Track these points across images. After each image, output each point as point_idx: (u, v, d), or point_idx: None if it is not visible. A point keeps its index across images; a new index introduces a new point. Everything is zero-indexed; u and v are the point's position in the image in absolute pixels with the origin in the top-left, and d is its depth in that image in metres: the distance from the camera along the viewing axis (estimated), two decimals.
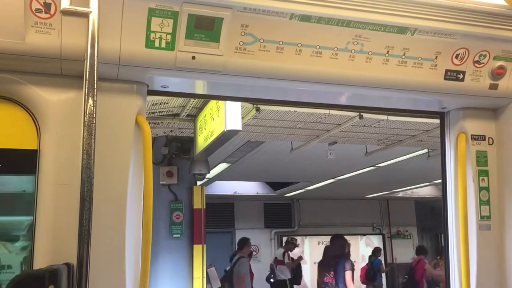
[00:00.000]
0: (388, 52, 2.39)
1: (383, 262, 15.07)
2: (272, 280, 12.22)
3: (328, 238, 16.34)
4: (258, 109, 5.69)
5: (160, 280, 7.45)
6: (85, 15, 1.87)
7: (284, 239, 15.03)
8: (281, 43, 2.25)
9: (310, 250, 16.74)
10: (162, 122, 6.63)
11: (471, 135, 2.75)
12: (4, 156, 2.09)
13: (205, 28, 2.12)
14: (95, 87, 1.85)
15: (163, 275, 7.49)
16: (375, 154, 8.52)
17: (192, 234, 7.71)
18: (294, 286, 12.73)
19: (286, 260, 12.55)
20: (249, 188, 15.63)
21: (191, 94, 3.07)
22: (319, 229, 16.93)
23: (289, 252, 12.96)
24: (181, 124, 6.77)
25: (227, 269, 10.44)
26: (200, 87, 2.58)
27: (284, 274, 12.09)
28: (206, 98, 4.88)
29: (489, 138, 2.78)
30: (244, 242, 10.61)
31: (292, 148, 8.29)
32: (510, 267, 2.68)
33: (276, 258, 12.87)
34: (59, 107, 2.10)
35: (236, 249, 11.27)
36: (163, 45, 2.10)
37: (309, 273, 15.58)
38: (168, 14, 2.06)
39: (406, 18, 2.30)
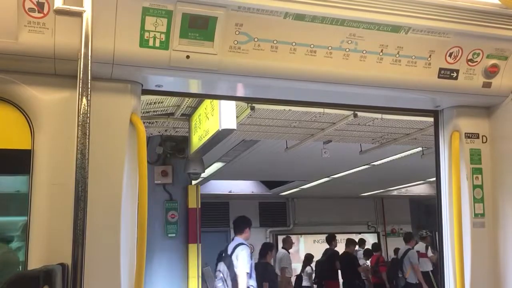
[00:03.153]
0: (382, 50, 2.39)
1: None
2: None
3: (323, 237, 16.54)
4: (252, 108, 5.69)
5: (155, 279, 7.44)
6: (79, 15, 1.86)
7: (280, 238, 15.00)
8: (275, 42, 2.25)
9: (306, 249, 16.74)
10: (156, 122, 6.62)
11: (465, 133, 2.76)
12: None
13: (199, 27, 2.11)
14: (89, 86, 1.84)
15: (158, 275, 7.47)
16: (369, 153, 8.54)
17: (187, 234, 7.69)
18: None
19: (430, 254, 13.32)
20: (244, 187, 15.63)
21: (186, 94, 3.07)
22: (314, 228, 16.96)
23: (429, 245, 13.84)
24: (176, 124, 6.76)
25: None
26: (194, 86, 2.57)
27: (427, 266, 12.88)
28: (201, 97, 4.87)
29: (482, 136, 2.79)
30: (411, 235, 12.84)
31: (287, 147, 8.30)
32: (504, 264, 2.69)
33: (418, 251, 13.71)
34: (53, 107, 2.08)
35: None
36: (157, 44, 2.10)
37: None
38: (162, 13, 2.05)
39: (400, 16, 2.30)
